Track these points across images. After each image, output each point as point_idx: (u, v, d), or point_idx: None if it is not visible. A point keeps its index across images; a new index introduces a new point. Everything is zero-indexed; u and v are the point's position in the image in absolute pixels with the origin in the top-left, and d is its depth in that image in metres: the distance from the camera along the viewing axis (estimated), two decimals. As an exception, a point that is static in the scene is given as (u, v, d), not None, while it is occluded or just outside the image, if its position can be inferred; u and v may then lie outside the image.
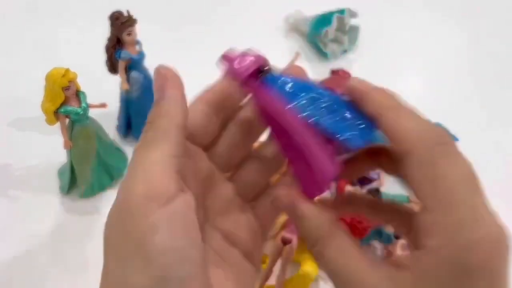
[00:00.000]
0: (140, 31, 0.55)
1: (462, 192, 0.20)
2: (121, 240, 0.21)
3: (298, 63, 0.63)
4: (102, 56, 0.55)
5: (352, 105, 0.24)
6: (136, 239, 0.20)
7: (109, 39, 0.54)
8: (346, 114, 0.23)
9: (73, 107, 0.47)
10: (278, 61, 0.77)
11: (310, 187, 0.24)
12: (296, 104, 0.23)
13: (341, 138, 0.22)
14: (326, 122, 0.23)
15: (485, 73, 0.69)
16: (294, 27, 0.78)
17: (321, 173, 0.23)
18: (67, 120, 0.49)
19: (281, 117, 0.23)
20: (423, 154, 0.21)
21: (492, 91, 0.67)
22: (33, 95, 0.49)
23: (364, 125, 0.23)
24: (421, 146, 0.21)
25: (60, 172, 0.52)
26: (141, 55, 0.55)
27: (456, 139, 0.54)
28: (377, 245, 0.47)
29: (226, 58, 0.25)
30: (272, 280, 0.43)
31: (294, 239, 0.44)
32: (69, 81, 0.46)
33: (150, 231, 0.20)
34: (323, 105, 0.23)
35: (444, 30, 0.79)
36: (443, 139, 0.21)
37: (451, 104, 0.63)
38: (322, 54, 0.72)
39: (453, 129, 0.56)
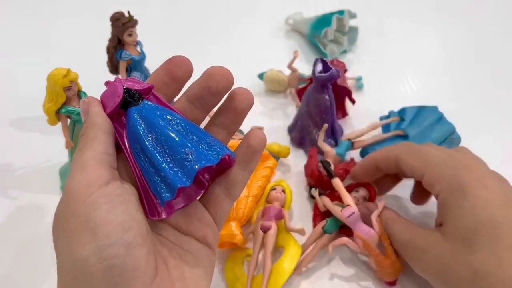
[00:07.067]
0: (141, 32, 0.55)
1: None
2: (68, 220, 0.24)
3: (297, 62, 0.64)
4: (104, 57, 0.56)
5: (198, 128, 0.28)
6: (81, 216, 0.24)
7: (110, 40, 0.54)
8: (193, 139, 0.27)
9: (74, 107, 0.47)
10: (278, 61, 0.77)
11: (149, 206, 0.27)
12: (140, 146, 0.26)
13: (159, 199, 0.26)
14: (150, 179, 0.26)
15: (486, 73, 0.70)
16: (294, 28, 0.78)
17: (146, 211, 0.27)
18: (68, 120, 0.49)
19: (127, 157, 0.27)
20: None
21: (492, 91, 0.67)
22: (34, 95, 0.49)
23: (207, 147, 0.27)
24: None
25: (61, 172, 0.52)
26: (142, 55, 0.55)
27: (458, 138, 0.55)
28: None
29: (106, 84, 0.28)
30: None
31: (273, 226, 0.45)
32: (71, 82, 0.46)
33: (92, 208, 0.24)
34: (169, 142, 0.26)
35: (443, 30, 0.79)
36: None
37: (450, 104, 0.63)
38: (321, 54, 0.72)
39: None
